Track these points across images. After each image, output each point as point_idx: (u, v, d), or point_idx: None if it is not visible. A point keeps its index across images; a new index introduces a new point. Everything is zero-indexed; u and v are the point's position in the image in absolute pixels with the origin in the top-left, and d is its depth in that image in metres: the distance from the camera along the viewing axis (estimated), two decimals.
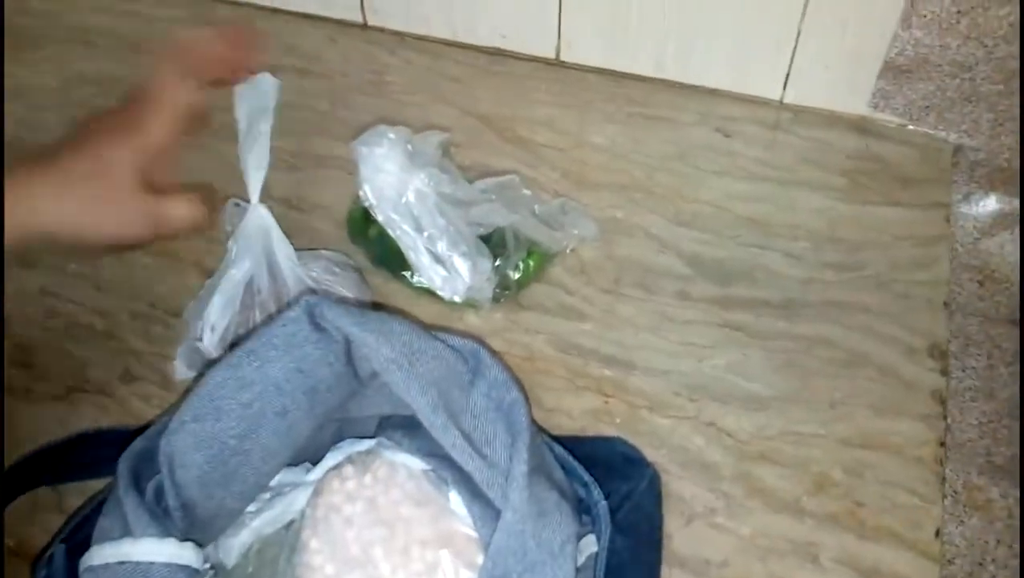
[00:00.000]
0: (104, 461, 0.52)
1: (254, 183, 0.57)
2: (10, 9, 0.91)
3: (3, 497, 0.50)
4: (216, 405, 0.43)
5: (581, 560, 0.45)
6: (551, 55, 0.83)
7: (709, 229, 0.69)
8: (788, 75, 0.76)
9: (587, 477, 0.49)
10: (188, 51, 0.53)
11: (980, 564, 0.54)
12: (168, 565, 0.40)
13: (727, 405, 0.59)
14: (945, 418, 0.58)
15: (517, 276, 0.64)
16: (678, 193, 0.72)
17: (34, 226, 0.47)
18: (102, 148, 0.49)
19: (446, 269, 0.62)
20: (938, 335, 0.62)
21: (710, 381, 0.61)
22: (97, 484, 0.53)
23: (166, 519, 0.42)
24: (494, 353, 0.48)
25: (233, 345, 0.58)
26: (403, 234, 0.61)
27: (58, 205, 0.47)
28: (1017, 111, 0.68)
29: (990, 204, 0.71)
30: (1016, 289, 0.66)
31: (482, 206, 0.63)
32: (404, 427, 0.49)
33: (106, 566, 0.40)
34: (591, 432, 0.58)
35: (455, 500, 0.46)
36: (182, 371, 0.60)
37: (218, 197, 0.58)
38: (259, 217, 0.58)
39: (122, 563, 0.39)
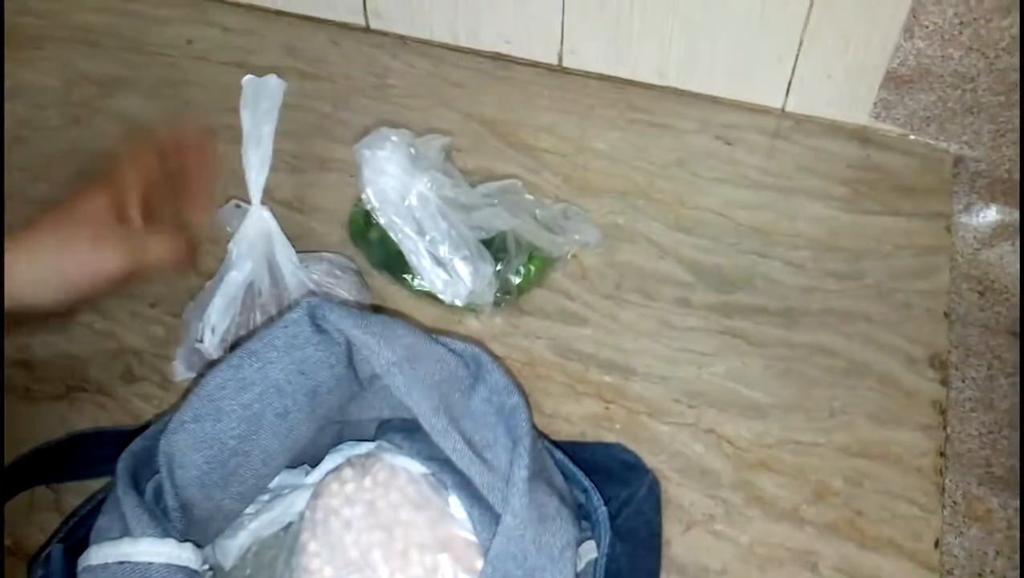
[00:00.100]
0: (102, 461, 0.52)
1: (256, 185, 0.57)
2: (12, 9, 0.91)
3: (2, 497, 0.50)
4: (216, 406, 0.43)
5: (580, 566, 0.45)
6: (553, 61, 0.83)
7: (710, 236, 0.69)
8: (790, 84, 0.76)
9: (587, 483, 0.49)
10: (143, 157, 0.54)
11: (979, 575, 0.54)
12: (167, 566, 0.39)
13: (727, 412, 0.59)
14: (945, 428, 0.58)
15: (518, 281, 0.64)
16: (679, 200, 0.72)
17: (8, 290, 0.47)
18: (74, 199, 0.51)
19: (448, 273, 0.61)
20: (938, 345, 0.62)
21: (710, 388, 0.61)
22: (95, 484, 0.53)
23: (165, 519, 0.42)
24: (495, 357, 0.48)
25: (234, 346, 0.58)
26: (405, 237, 0.61)
27: (31, 266, 0.48)
28: (1018, 122, 0.68)
29: (991, 215, 0.72)
30: (1016, 300, 0.66)
31: (484, 210, 0.63)
32: (404, 430, 0.49)
33: (105, 566, 0.40)
34: (591, 438, 0.58)
35: (455, 504, 0.46)
36: (181, 372, 0.60)
37: (199, 237, 0.56)
38: (260, 219, 0.58)
39: (121, 563, 0.39)
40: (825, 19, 0.70)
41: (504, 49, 0.84)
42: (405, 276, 0.65)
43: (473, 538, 0.45)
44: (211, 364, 0.58)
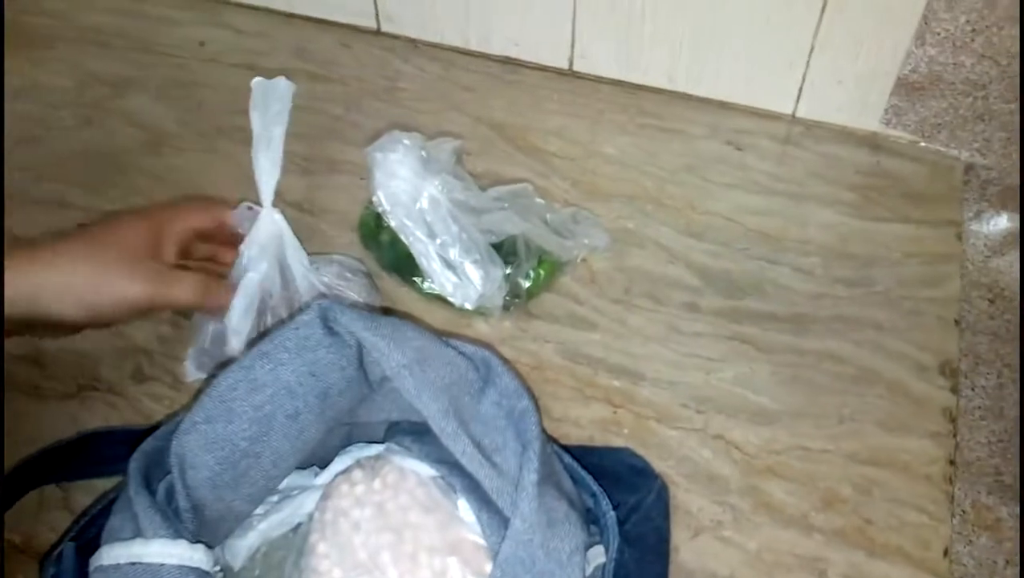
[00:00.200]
0: (112, 460, 0.52)
1: (267, 187, 0.57)
2: (24, 9, 0.91)
3: (3, 497, 0.50)
4: (228, 407, 0.43)
5: (589, 570, 0.45)
6: (564, 65, 0.83)
7: (719, 241, 0.69)
8: (801, 90, 0.76)
9: (596, 487, 0.49)
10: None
11: None
12: (179, 567, 0.40)
13: (735, 418, 0.59)
14: (955, 436, 0.58)
15: (527, 284, 0.64)
16: (689, 205, 0.72)
17: (36, 303, 0.49)
18: (115, 223, 0.53)
19: (458, 276, 0.62)
20: (948, 353, 0.62)
21: (718, 394, 0.60)
22: (104, 483, 0.53)
23: (176, 520, 0.42)
24: (505, 361, 0.48)
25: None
26: (416, 240, 0.61)
27: (62, 280, 0.50)
28: None
29: (1001, 223, 0.71)
30: None
31: (494, 214, 0.63)
32: (413, 433, 0.49)
33: (117, 566, 0.40)
34: (599, 442, 0.58)
35: (464, 507, 0.46)
36: (192, 372, 0.60)
37: (227, 284, 0.58)
38: (272, 222, 0.58)
39: (133, 564, 0.39)
40: (836, 25, 0.70)
41: (514, 53, 0.84)
42: (415, 279, 0.65)
43: (482, 542, 0.45)
44: (222, 365, 0.59)
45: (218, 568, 0.43)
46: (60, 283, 0.50)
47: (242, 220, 0.59)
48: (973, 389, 0.61)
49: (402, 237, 0.61)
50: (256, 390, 0.44)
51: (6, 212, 0.64)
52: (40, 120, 0.80)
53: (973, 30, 0.66)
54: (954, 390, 0.60)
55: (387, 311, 0.64)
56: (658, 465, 0.55)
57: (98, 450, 0.55)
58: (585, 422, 0.59)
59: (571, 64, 0.83)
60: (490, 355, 0.48)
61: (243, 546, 0.48)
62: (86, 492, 0.54)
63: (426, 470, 0.48)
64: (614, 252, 0.69)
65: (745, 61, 0.76)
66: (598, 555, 0.46)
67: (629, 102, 0.80)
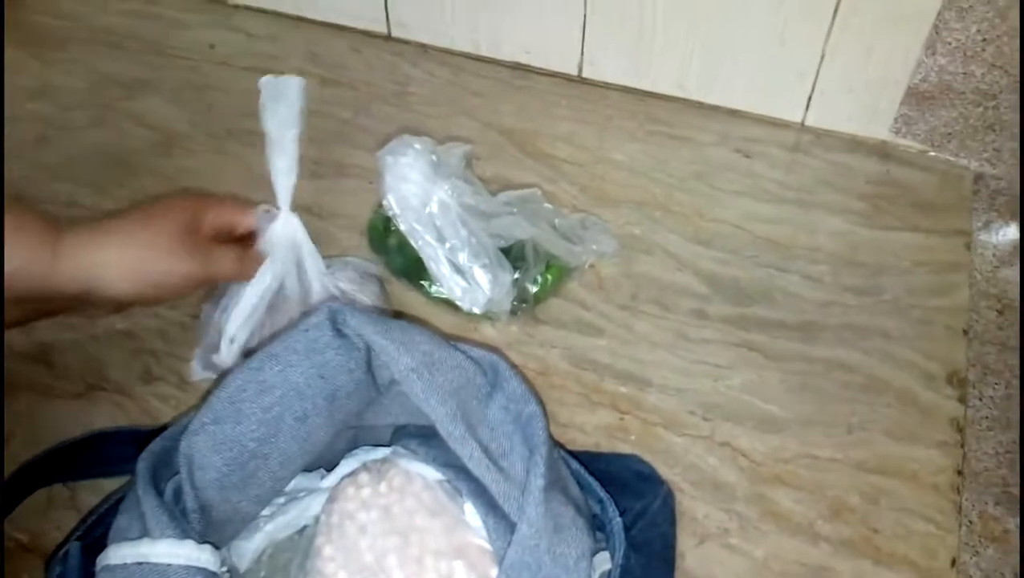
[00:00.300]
0: (119, 460, 0.52)
1: (284, 189, 0.56)
2: (38, 10, 0.92)
3: (4, 497, 0.50)
4: (237, 408, 0.43)
5: (595, 577, 0.45)
6: (573, 72, 0.83)
7: (728, 249, 0.69)
8: (811, 98, 0.76)
9: (602, 493, 0.49)
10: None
11: None
12: (186, 567, 0.40)
13: (742, 426, 0.59)
14: (962, 446, 0.58)
15: (535, 289, 0.64)
16: (697, 212, 0.72)
17: (89, 280, 0.51)
18: (161, 206, 0.56)
19: (466, 280, 0.62)
20: (957, 362, 0.62)
21: (725, 401, 0.60)
22: (111, 483, 0.54)
23: (184, 521, 0.42)
24: (513, 366, 0.48)
25: (251, 351, 0.58)
26: (425, 244, 0.61)
27: (112, 257, 0.52)
28: None
29: (1010, 233, 0.71)
30: None
31: (503, 219, 0.63)
32: (419, 436, 0.50)
33: (123, 566, 0.40)
34: (605, 448, 0.58)
35: (470, 511, 0.46)
36: (198, 372, 0.60)
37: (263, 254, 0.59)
38: (290, 225, 0.58)
39: (140, 564, 0.39)
40: (847, 34, 0.70)
41: (524, 59, 0.84)
42: (422, 283, 0.65)
43: (488, 546, 0.45)
44: (225, 369, 0.59)
45: (224, 569, 0.43)
46: (113, 260, 0.52)
47: (260, 222, 0.59)
48: (981, 399, 0.61)
49: (411, 241, 0.61)
50: (265, 392, 0.44)
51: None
52: (52, 120, 0.81)
53: (984, 40, 0.66)
54: (962, 400, 0.60)
55: (399, 315, 0.64)
56: (664, 472, 0.55)
57: (105, 450, 0.55)
58: (591, 428, 0.59)
59: (580, 71, 0.83)
60: (498, 359, 0.48)
61: (249, 548, 0.48)
62: (93, 491, 0.54)
63: (432, 474, 0.48)
64: (622, 258, 0.69)
65: (755, 69, 0.76)
66: (604, 561, 0.46)
67: (638, 109, 0.81)
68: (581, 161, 0.76)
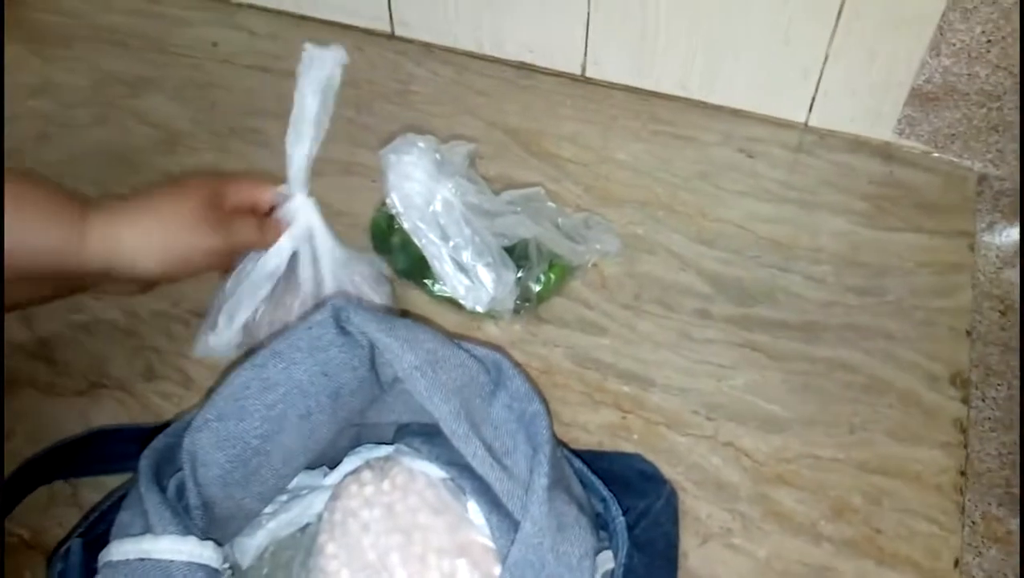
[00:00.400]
0: (121, 458, 0.52)
1: (299, 170, 0.56)
2: (41, 7, 0.92)
3: (6, 494, 0.50)
4: (240, 405, 0.43)
5: (598, 576, 0.45)
6: (577, 71, 0.83)
7: (731, 249, 0.69)
8: (814, 99, 0.76)
9: (605, 492, 0.49)
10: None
11: None
12: (188, 564, 0.40)
13: (745, 425, 0.59)
14: (965, 447, 0.58)
15: (538, 288, 0.64)
16: (700, 212, 0.72)
17: (116, 256, 0.52)
18: (181, 184, 0.56)
19: (470, 279, 0.62)
20: (960, 363, 0.62)
21: (728, 401, 0.60)
22: (113, 480, 0.54)
23: (186, 517, 0.42)
24: (516, 364, 0.48)
25: (254, 349, 0.58)
26: (428, 243, 0.61)
27: (138, 233, 0.52)
28: None
29: (1014, 234, 0.71)
30: None
31: (507, 217, 0.63)
32: (422, 434, 0.49)
33: (126, 562, 0.40)
34: (608, 447, 0.58)
35: (473, 510, 0.46)
36: (203, 348, 0.60)
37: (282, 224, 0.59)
38: (306, 209, 0.57)
39: (142, 560, 0.39)
40: (851, 35, 0.70)
41: (528, 58, 0.84)
42: (425, 281, 0.65)
43: (491, 544, 0.45)
44: (234, 364, 0.59)
45: (227, 565, 0.43)
46: (137, 236, 0.52)
47: (279, 200, 0.58)
48: (984, 400, 0.61)
49: (415, 239, 0.61)
50: (268, 389, 0.44)
51: None
52: (54, 118, 0.81)
53: (988, 41, 0.66)
54: (965, 401, 0.60)
55: (405, 315, 0.64)
56: (667, 471, 0.55)
57: (106, 448, 0.55)
58: (594, 427, 0.59)
59: (584, 70, 0.83)
60: (501, 358, 0.48)
61: (252, 545, 0.48)
62: (95, 488, 0.54)
63: (435, 472, 0.48)
64: (625, 258, 0.69)
65: (759, 70, 0.76)
66: (607, 560, 0.46)
67: (642, 109, 0.81)
68: (585, 160, 0.76)
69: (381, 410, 0.50)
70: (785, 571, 0.52)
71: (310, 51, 0.54)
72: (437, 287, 0.64)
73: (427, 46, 0.87)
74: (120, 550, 0.41)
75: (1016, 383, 0.61)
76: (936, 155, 0.75)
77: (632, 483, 0.52)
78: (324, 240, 0.58)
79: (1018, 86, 0.67)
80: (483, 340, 0.64)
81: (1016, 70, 0.66)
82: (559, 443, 0.51)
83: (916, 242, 0.69)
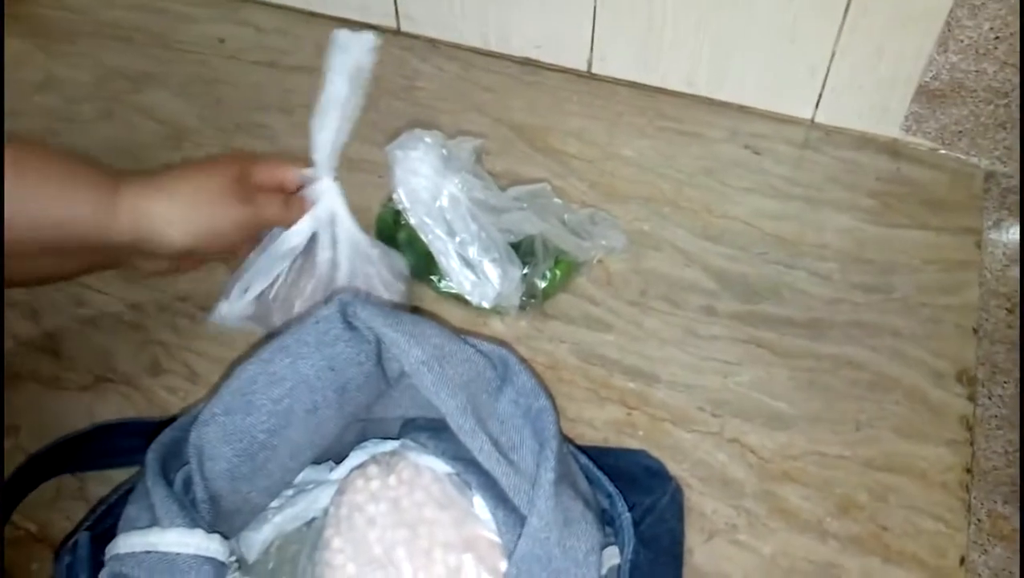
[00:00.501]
0: (127, 452, 0.52)
1: (326, 153, 0.56)
2: (45, 3, 0.92)
3: (12, 488, 0.50)
4: (247, 400, 0.43)
5: (603, 571, 0.45)
6: (583, 67, 0.83)
7: (736, 245, 0.69)
8: (821, 95, 0.76)
9: (611, 488, 0.49)
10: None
11: None
12: (195, 556, 0.40)
13: (751, 422, 0.59)
14: (972, 444, 0.57)
15: (544, 284, 0.64)
16: (706, 208, 0.72)
17: (146, 229, 0.52)
18: (209, 161, 0.57)
19: (476, 275, 0.62)
20: (966, 361, 0.62)
21: (734, 397, 0.60)
22: (120, 474, 0.54)
23: (193, 510, 0.42)
24: (522, 360, 0.48)
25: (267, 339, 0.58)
26: (435, 238, 0.61)
27: (168, 206, 0.53)
28: None
29: (1020, 231, 0.71)
30: None
31: (513, 213, 0.63)
32: (428, 429, 0.50)
33: (132, 554, 0.40)
34: (613, 443, 0.58)
35: (479, 504, 0.46)
36: (217, 315, 0.59)
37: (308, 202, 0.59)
38: (330, 193, 0.57)
39: (149, 553, 0.39)
40: (858, 31, 0.70)
41: (534, 54, 0.84)
42: (431, 277, 0.65)
43: (497, 539, 0.45)
44: (239, 360, 0.59)
45: (233, 559, 0.43)
46: (168, 207, 0.53)
47: (306, 181, 0.58)
48: (990, 398, 0.61)
49: (421, 235, 0.61)
50: (275, 383, 0.44)
51: None
52: (59, 113, 0.81)
53: (996, 37, 0.65)
54: (971, 398, 0.60)
55: (416, 310, 0.64)
56: (673, 468, 0.55)
57: (112, 442, 0.55)
58: (600, 423, 0.59)
59: (590, 66, 0.83)
60: (508, 353, 0.48)
61: (258, 539, 0.48)
62: (102, 482, 0.54)
63: (441, 467, 0.48)
64: (631, 254, 0.68)
65: (765, 66, 0.76)
66: (613, 556, 0.46)
67: (648, 105, 0.80)
68: (591, 157, 0.76)
69: (387, 405, 0.50)
70: (790, 568, 0.52)
71: (339, 35, 0.54)
72: (443, 283, 0.64)
73: (433, 42, 0.87)
74: (127, 543, 0.41)
75: None
76: (943, 152, 0.75)
77: (638, 479, 0.52)
78: (345, 225, 0.58)
79: None
80: (489, 336, 0.63)
81: None
82: (565, 439, 0.51)
83: (923, 239, 0.69)
